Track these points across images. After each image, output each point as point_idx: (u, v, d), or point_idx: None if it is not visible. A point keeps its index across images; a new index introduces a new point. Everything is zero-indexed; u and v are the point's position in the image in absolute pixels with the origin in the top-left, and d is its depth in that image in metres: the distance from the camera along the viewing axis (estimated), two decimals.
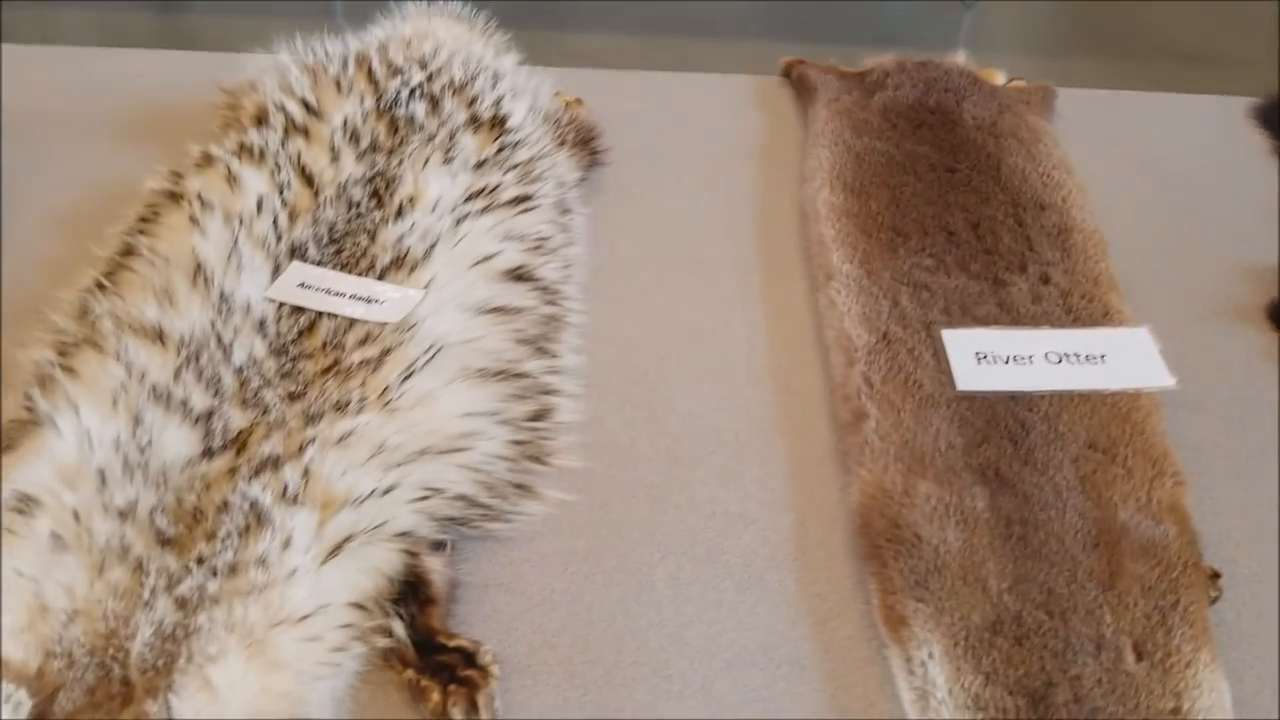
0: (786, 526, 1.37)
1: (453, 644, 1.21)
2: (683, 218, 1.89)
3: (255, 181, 1.65)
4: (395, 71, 1.90)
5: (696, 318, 1.68)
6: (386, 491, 1.27)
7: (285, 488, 1.24)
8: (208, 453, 1.29)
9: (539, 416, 1.48)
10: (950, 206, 1.83)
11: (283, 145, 1.74)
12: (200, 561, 1.18)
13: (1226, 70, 2.46)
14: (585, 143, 1.97)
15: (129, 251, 1.60)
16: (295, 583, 1.17)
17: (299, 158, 1.71)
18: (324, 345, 1.45)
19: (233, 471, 1.27)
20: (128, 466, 1.24)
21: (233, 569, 1.17)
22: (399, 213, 1.64)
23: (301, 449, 1.29)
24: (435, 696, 1.17)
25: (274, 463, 1.27)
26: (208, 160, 1.76)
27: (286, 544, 1.19)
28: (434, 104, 1.85)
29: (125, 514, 1.21)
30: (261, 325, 1.45)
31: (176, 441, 1.29)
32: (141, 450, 1.26)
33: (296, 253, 1.57)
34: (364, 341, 1.45)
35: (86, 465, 1.24)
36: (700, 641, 1.24)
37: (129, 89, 2.12)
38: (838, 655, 1.24)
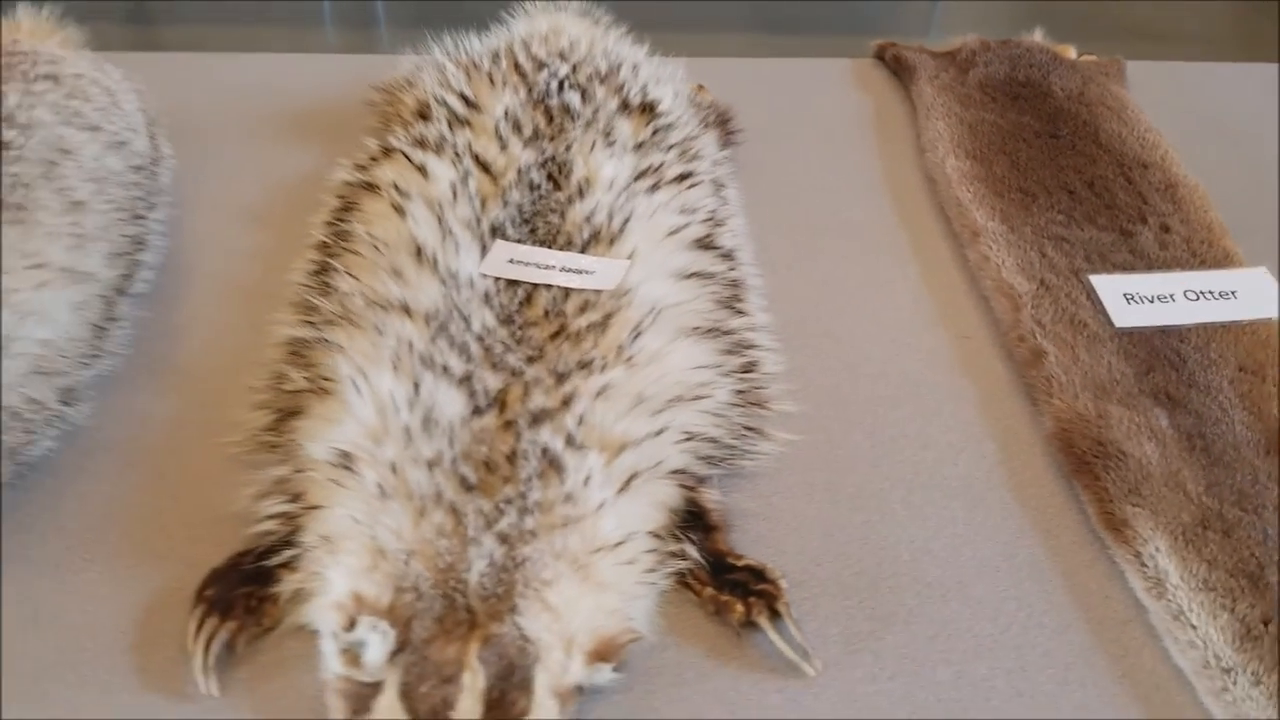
0: (992, 453, 1.53)
1: (741, 563, 1.35)
2: (819, 188, 2.04)
3: (442, 170, 1.76)
4: (540, 65, 2.02)
5: (859, 275, 1.83)
6: (657, 434, 1.41)
7: (569, 435, 1.36)
8: (476, 411, 1.41)
9: (749, 368, 1.62)
10: (1063, 169, 2.01)
11: (451, 136, 1.86)
12: (508, 502, 1.30)
13: (1191, 46, 2.64)
14: (723, 123, 2.11)
15: (342, 237, 1.71)
16: (603, 514, 1.30)
17: (470, 147, 1.83)
18: (545, 314, 1.57)
19: (507, 425, 1.39)
20: (425, 423, 1.36)
21: (540, 506, 1.30)
22: (580, 193, 1.76)
23: (566, 403, 1.41)
24: (739, 608, 1.31)
25: (548, 415, 1.39)
26: (387, 153, 1.87)
27: (586, 481, 1.32)
28: (584, 93, 1.97)
29: (433, 464, 1.33)
30: (487, 298, 1.57)
31: (449, 401, 1.40)
32: (428, 410, 1.38)
33: (497, 232, 1.68)
34: (584, 309, 1.57)
35: (391, 424, 1.35)
36: (945, 553, 1.40)
37: (272, 91, 2.22)
38: (1066, 557, 1.40)
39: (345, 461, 1.33)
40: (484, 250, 1.65)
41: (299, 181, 1.98)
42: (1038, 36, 2.44)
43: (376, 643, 1.17)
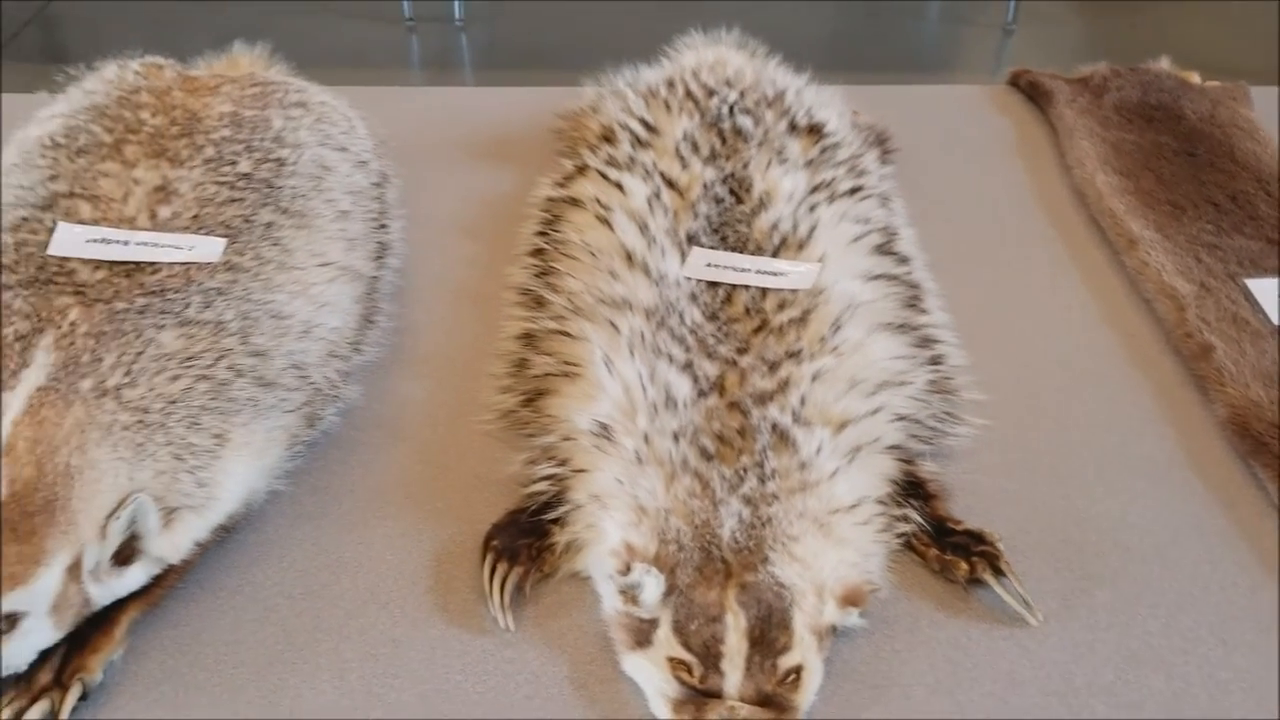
0: (1171, 437, 1.68)
1: (960, 528, 1.50)
2: (973, 202, 2.21)
3: (636, 185, 1.94)
4: (710, 92, 2.20)
5: (1024, 280, 1.99)
6: (873, 413, 1.57)
7: (794, 413, 1.53)
8: (701, 393, 1.58)
9: (938, 361, 1.77)
10: (1205, 184, 2.15)
11: (638, 156, 2.05)
12: (747, 470, 1.47)
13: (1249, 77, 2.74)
14: (881, 143, 2.28)
15: (556, 245, 1.90)
16: (837, 480, 1.46)
17: (656, 165, 2.01)
18: (746, 310, 1.73)
19: (732, 405, 1.55)
20: (667, 401, 1.53)
21: (778, 473, 1.46)
22: (762, 205, 1.93)
23: (784, 386, 1.57)
24: (964, 566, 1.46)
25: (770, 396, 1.56)
26: (582, 171, 2.06)
27: (818, 451, 1.48)
28: (754, 117, 2.15)
29: (677, 436, 1.50)
30: (693, 297, 1.74)
31: (678, 384, 1.57)
32: (664, 390, 1.55)
33: (692, 240, 1.86)
34: (782, 306, 1.73)
35: (638, 401, 1.53)
36: (1140, 523, 1.54)
37: (458, 120, 2.43)
38: (1249, 526, 1.54)
39: (604, 432, 1.50)
40: (683, 255, 1.82)
41: (497, 198, 2.18)
42: (1164, 64, 2.59)
43: (651, 585, 1.34)
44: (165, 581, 1.38)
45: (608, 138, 2.14)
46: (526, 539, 1.47)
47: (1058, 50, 3.03)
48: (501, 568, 1.43)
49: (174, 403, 1.36)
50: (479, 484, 1.57)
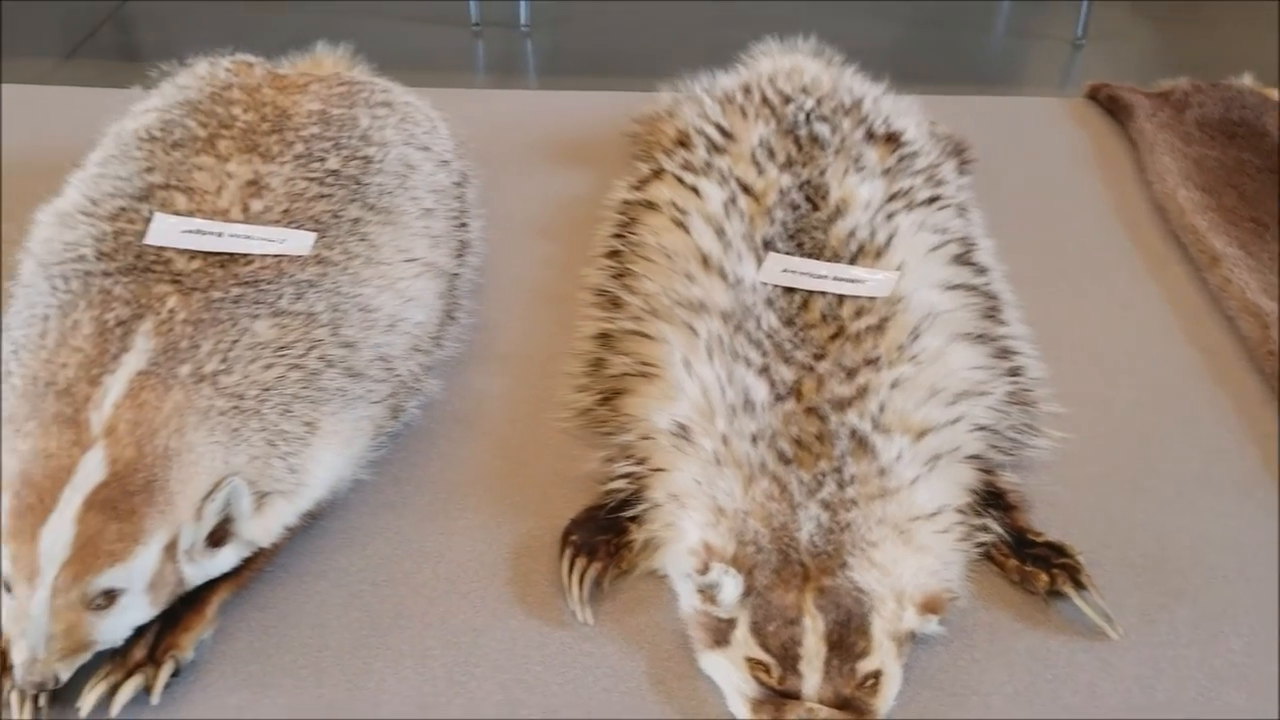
0: (1254, 456, 1.66)
1: (1041, 539, 1.49)
2: (1051, 214, 2.20)
3: (712, 190, 1.95)
4: (787, 99, 2.21)
5: (1103, 294, 1.98)
6: (953, 423, 1.56)
7: (873, 419, 1.53)
8: (778, 398, 1.58)
9: (1016, 372, 1.76)
10: None
11: (714, 161, 2.06)
12: (825, 475, 1.47)
13: None
14: (959, 153, 2.27)
15: (631, 246, 1.91)
16: (917, 488, 1.46)
17: (731, 171, 2.02)
18: (823, 317, 1.73)
19: (810, 411, 1.55)
20: (745, 404, 1.54)
21: (857, 479, 1.46)
22: (838, 212, 1.93)
23: (862, 393, 1.57)
24: (1043, 577, 1.45)
25: (849, 403, 1.56)
26: (657, 174, 2.08)
27: (898, 458, 1.48)
28: (831, 124, 2.15)
29: (756, 439, 1.50)
30: (770, 302, 1.74)
31: (756, 387, 1.58)
32: (741, 393, 1.56)
33: (768, 246, 1.86)
34: (859, 313, 1.73)
35: (716, 403, 1.54)
36: (1222, 540, 1.53)
37: (532, 122, 2.46)
38: None
39: (683, 432, 1.51)
40: (759, 260, 1.83)
41: (572, 200, 2.21)
42: (1246, 81, 2.55)
43: (729, 584, 1.35)
44: (254, 564, 1.41)
45: (683, 142, 2.15)
46: (605, 535, 1.48)
47: (1126, 65, 3.00)
48: (580, 562, 1.45)
49: (268, 390, 1.39)
50: (556, 480, 1.59)
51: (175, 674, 1.29)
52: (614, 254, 1.95)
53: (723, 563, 1.38)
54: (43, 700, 1.25)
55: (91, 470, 1.23)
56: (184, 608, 1.33)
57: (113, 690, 1.25)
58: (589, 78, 2.91)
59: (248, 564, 1.39)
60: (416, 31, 3.18)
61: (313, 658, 1.35)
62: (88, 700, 1.24)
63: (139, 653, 1.29)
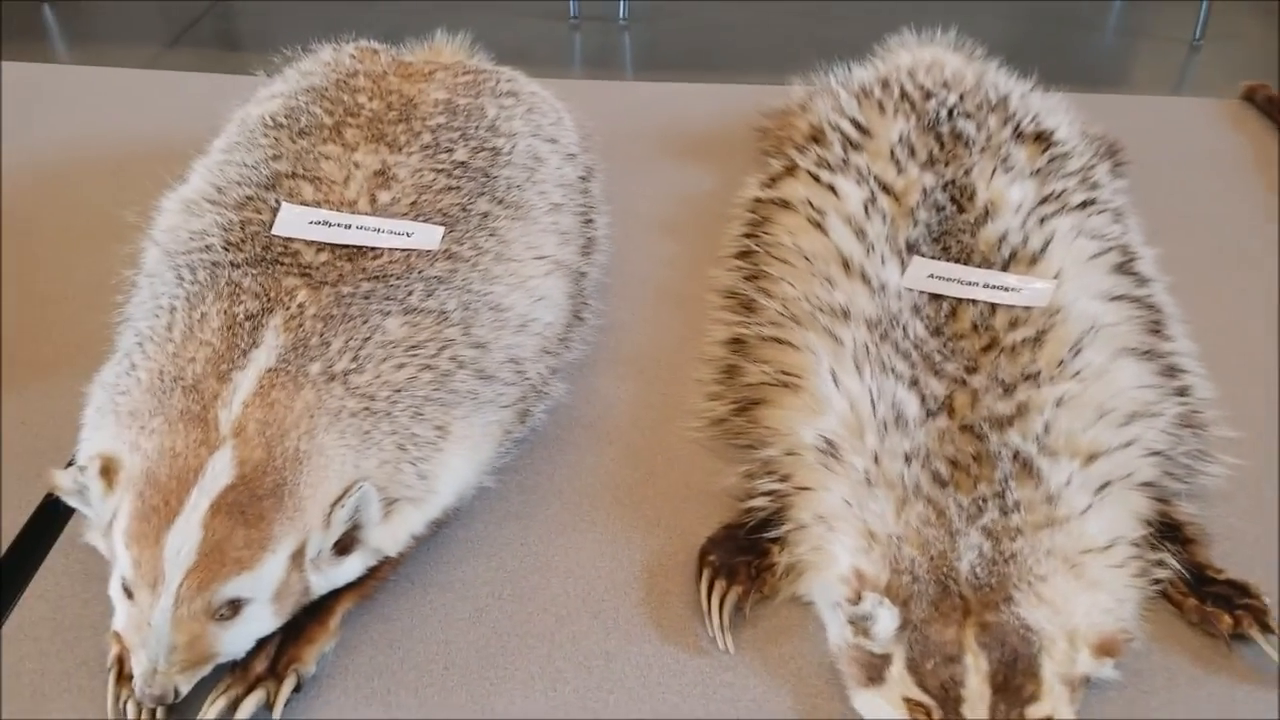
0: None
1: (1222, 577, 1.36)
2: (1212, 219, 2.05)
3: (850, 189, 1.84)
4: (928, 94, 2.08)
5: (1273, 308, 1.82)
6: (1125, 446, 1.43)
7: (1038, 441, 1.40)
8: (930, 414, 1.47)
9: (1184, 392, 1.62)
10: None
11: (846, 159, 1.94)
12: (986, 500, 1.35)
13: None
14: (1112, 154, 2.13)
15: (764, 247, 1.81)
16: (1089, 518, 1.34)
17: (869, 169, 1.90)
18: (974, 327, 1.61)
19: (965, 428, 1.44)
20: (897, 420, 1.43)
21: (1022, 505, 1.34)
22: (986, 215, 1.80)
23: (1023, 411, 1.45)
24: (1226, 619, 1.32)
25: (1009, 421, 1.44)
26: (790, 171, 1.97)
27: (1067, 484, 1.36)
28: (975, 121, 2.02)
29: (909, 458, 1.39)
30: (916, 309, 1.63)
31: (907, 401, 1.47)
32: (892, 408, 1.45)
33: (912, 249, 1.75)
34: (1014, 324, 1.61)
35: (867, 418, 1.43)
36: None
37: (655, 115, 2.37)
38: None
39: (830, 449, 1.41)
40: (903, 264, 1.71)
41: (698, 197, 2.12)
42: None
43: (885, 617, 1.24)
44: (379, 574, 1.34)
45: (816, 138, 2.04)
46: (745, 557, 1.39)
47: (1244, 67, 2.81)
48: (720, 585, 1.36)
49: (399, 391, 1.32)
50: (689, 493, 1.50)
51: (297, 689, 1.23)
52: (745, 254, 1.86)
53: (876, 592, 1.28)
54: (160, 713, 1.19)
55: (219, 472, 1.18)
56: (307, 618, 1.27)
57: (233, 705, 1.20)
58: (686, 71, 2.80)
59: (372, 573, 1.33)
60: (514, 25, 3.13)
61: (438, 676, 1.28)
62: (208, 715, 1.18)
63: (260, 665, 1.24)
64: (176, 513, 1.16)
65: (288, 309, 1.35)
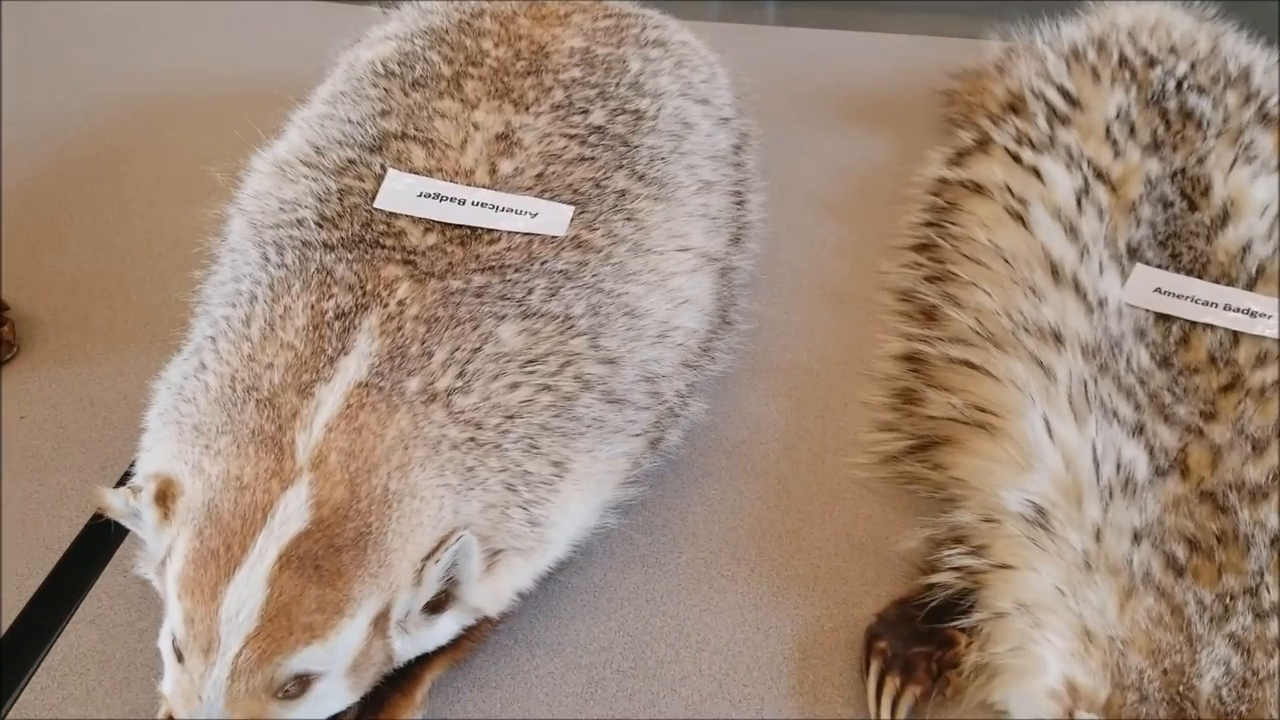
0: None
1: None
2: None
3: (1059, 174, 1.53)
4: (1152, 61, 1.74)
5: None
6: None
7: None
8: (1159, 472, 1.17)
9: None
10: None
11: (1052, 135, 1.62)
12: (1234, 598, 1.06)
13: None
14: None
15: (950, 240, 1.52)
16: None
17: (1080, 149, 1.58)
18: (1211, 359, 1.31)
19: (1205, 496, 1.14)
20: (1126, 485, 1.14)
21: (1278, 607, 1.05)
22: (1224, 217, 1.48)
23: (1276, 477, 1.15)
24: None
25: (1262, 493, 1.14)
26: (983, 147, 1.67)
27: None
28: (1210, 98, 1.68)
29: (1139, 536, 1.11)
30: (1140, 333, 1.33)
31: (1136, 461, 1.18)
32: (1119, 467, 1.16)
33: (1134, 255, 1.43)
34: (1261, 360, 1.31)
35: (1087, 480, 1.15)
36: None
37: (823, 69, 2.06)
38: None
39: (1041, 519, 1.13)
40: (1123, 274, 1.41)
41: (868, 171, 1.82)
42: None
43: None
44: (475, 634, 1.12)
45: (1015, 108, 1.74)
46: (924, 647, 1.13)
47: None
48: (892, 682, 1.10)
49: (511, 418, 1.08)
50: (853, 550, 1.24)
51: None
52: (926, 248, 1.58)
53: (1093, 713, 1.00)
54: None
55: (293, 514, 0.96)
56: (389, 687, 1.06)
57: None
58: (833, 11, 2.41)
59: (468, 633, 1.10)
60: None
61: None
62: None
63: None
64: (239, 562, 0.95)
65: (385, 306, 1.12)
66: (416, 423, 1.04)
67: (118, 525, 1.21)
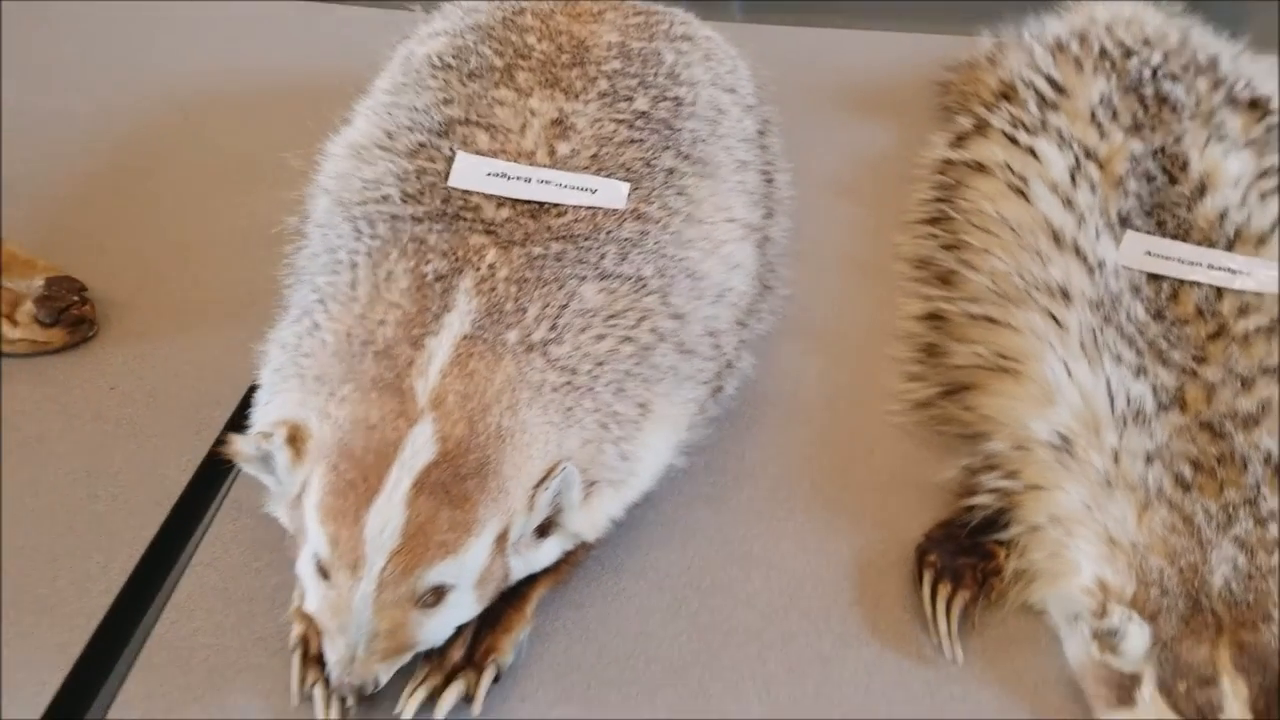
0: None
1: None
2: None
3: (1052, 153, 1.68)
4: (1129, 52, 1.91)
5: None
6: None
7: None
8: (1162, 407, 1.33)
9: None
10: None
11: (1044, 119, 1.78)
12: (1236, 507, 1.22)
13: None
14: None
15: (961, 214, 1.67)
16: None
17: (1069, 131, 1.74)
18: (1198, 311, 1.46)
19: (1204, 426, 1.30)
20: (1138, 415, 1.29)
21: (1276, 515, 1.21)
22: (1201, 189, 1.64)
23: (1267, 408, 1.31)
24: None
25: (1254, 419, 1.30)
26: (980, 129, 1.82)
27: None
28: (1183, 84, 1.85)
29: (1151, 458, 1.26)
30: (1135, 290, 1.48)
31: (1142, 394, 1.33)
32: (1129, 400, 1.31)
33: (1125, 223, 1.59)
34: (1243, 311, 1.46)
35: (1103, 412, 1.29)
36: None
37: (830, 66, 2.21)
38: None
39: (1066, 446, 1.28)
40: (1116, 240, 1.57)
41: (875, 155, 1.97)
42: None
43: (1135, 634, 1.12)
44: (573, 558, 1.25)
45: (1008, 95, 1.89)
46: (968, 558, 1.27)
47: None
48: (944, 589, 1.24)
49: (600, 365, 1.21)
50: (894, 484, 1.38)
51: (495, 680, 1.14)
52: (937, 220, 1.72)
53: (1122, 604, 1.15)
54: (350, 700, 1.11)
55: (420, 447, 1.08)
56: (502, 605, 1.18)
57: (433, 695, 1.11)
58: (798, 14, 2.55)
59: (567, 558, 1.23)
60: None
61: (640, 671, 1.18)
62: (409, 707, 1.10)
63: (457, 655, 1.15)
64: (377, 490, 1.06)
65: (477, 270, 1.24)
66: (520, 369, 1.16)
67: (222, 477, 1.33)
